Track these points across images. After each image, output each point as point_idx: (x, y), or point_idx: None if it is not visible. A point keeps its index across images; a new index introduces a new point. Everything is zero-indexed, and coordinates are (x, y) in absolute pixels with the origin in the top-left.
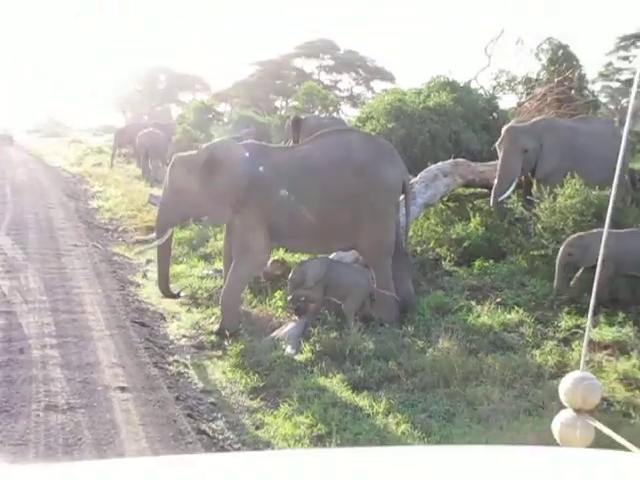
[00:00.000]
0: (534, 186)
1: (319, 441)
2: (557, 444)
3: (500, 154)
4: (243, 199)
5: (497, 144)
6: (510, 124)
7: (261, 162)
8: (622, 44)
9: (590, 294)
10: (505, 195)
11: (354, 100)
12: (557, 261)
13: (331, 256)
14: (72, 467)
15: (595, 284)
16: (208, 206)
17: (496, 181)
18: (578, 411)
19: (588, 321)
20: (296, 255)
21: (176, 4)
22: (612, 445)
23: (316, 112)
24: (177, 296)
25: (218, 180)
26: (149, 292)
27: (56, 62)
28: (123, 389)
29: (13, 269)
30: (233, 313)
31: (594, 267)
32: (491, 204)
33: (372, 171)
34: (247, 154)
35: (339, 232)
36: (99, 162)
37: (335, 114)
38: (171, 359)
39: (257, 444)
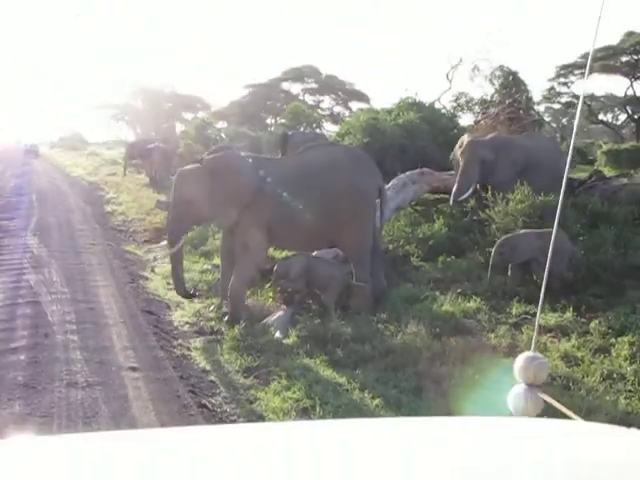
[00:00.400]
0: (489, 192)
1: (304, 413)
2: (510, 415)
3: (461, 163)
4: (247, 203)
5: (452, 155)
6: (469, 138)
7: (261, 171)
8: (562, 72)
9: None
10: (464, 197)
11: (334, 118)
12: (490, 259)
13: (314, 253)
14: (83, 438)
15: (545, 276)
16: (217, 211)
17: (456, 185)
18: (529, 386)
19: (539, 308)
20: (284, 252)
21: (178, 28)
22: (556, 414)
23: (301, 128)
24: (194, 295)
25: (226, 186)
26: (156, 285)
27: (67, 74)
28: (134, 369)
29: (39, 265)
30: (241, 305)
31: (522, 264)
32: (450, 204)
33: (353, 179)
34: (244, 164)
35: (325, 232)
36: (113, 172)
37: (318, 130)
38: (176, 343)
39: (251, 416)
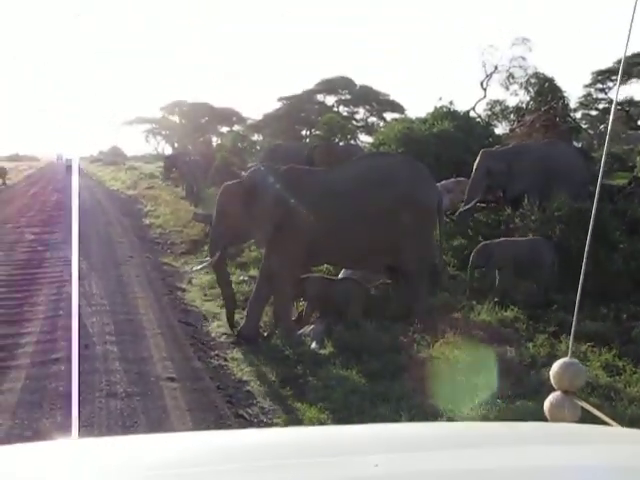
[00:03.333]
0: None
1: (341, 424)
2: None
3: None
4: (282, 220)
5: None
6: (485, 149)
7: (303, 184)
8: (599, 78)
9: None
10: (465, 208)
11: (369, 129)
12: (469, 265)
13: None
14: (122, 440)
15: (580, 284)
16: (252, 228)
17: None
18: (566, 392)
19: (575, 313)
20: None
21: (214, 41)
22: (595, 423)
23: (336, 140)
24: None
25: (259, 203)
26: (193, 296)
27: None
28: (172, 379)
29: (79, 277)
30: (289, 323)
31: (500, 269)
32: (456, 215)
33: (413, 191)
34: (284, 178)
35: (380, 248)
36: (151, 185)
37: (352, 141)
38: (213, 353)
39: (287, 427)
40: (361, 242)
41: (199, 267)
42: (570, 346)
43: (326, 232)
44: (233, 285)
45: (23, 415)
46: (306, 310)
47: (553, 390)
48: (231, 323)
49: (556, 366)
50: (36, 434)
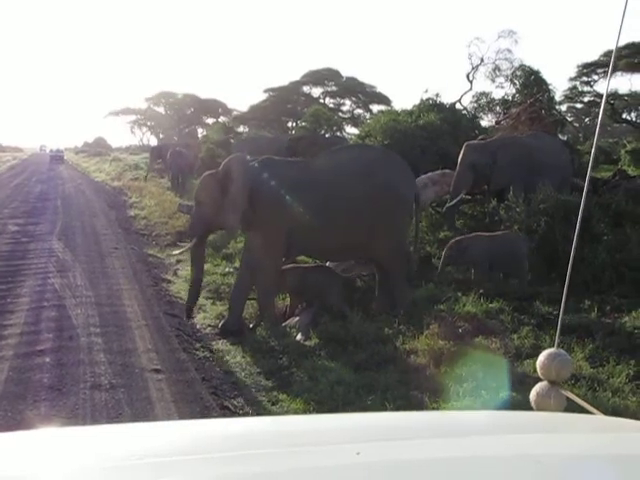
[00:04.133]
0: (508, 192)
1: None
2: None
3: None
4: (254, 209)
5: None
6: (469, 142)
7: (277, 174)
8: (584, 71)
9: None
10: (454, 202)
11: (355, 121)
12: (441, 261)
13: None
14: (101, 429)
15: (568, 276)
16: (223, 216)
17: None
18: (552, 383)
19: (562, 305)
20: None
21: (198, 32)
22: (581, 412)
23: (322, 131)
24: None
25: (229, 192)
26: (179, 288)
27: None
28: (157, 371)
29: (64, 269)
30: (271, 312)
31: (474, 265)
32: (442, 210)
33: (389, 183)
34: (258, 168)
35: (357, 240)
36: (136, 177)
37: (338, 133)
38: (198, 345)
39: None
40: (337, 234)
41: (177, 252)
42: (557, 337)
43: (302, 223)
44: (219, 277)
45: (7, 406)
46: (290, 302)
47: (539, 380)
48: (189, 310)
49: (542, 356)
50: (22, 426)
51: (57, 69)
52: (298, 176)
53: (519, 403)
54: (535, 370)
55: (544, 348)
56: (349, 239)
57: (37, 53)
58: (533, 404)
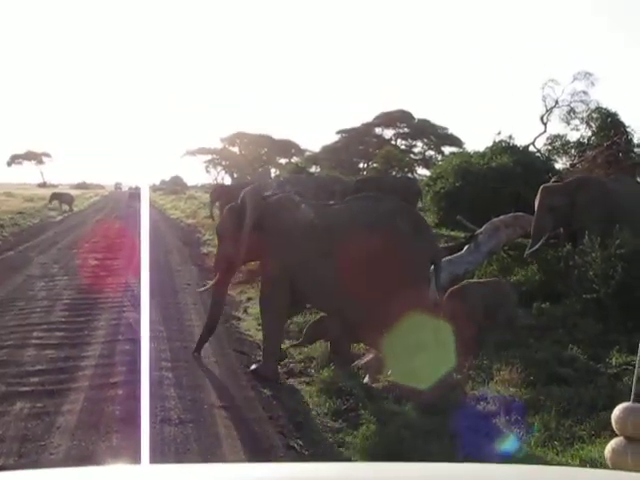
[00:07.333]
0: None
1: (393, 459)
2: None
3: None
4: (258, 246)
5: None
6: (545, 185)
7: (288, 212)
8: None
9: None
10: (535, 248)
11: (426, 162)
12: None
13: None
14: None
15: None
16: (239, 252)
17: (531, 236)
18: (628, 439)
19: (638, 355)
20: None
21: (274, 74)
22: None
23: (393, 173)
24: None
25: (243, 227)
26: (249, 325)
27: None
28: (225, 408)
29: (138, 303)
30: (271, 361)
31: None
32: (525, 256)
33: (400, 240)
34: (270, 205)
35: (360, 299)
36: (210, 215)
37: (409, 174)
38: (266, 383)
39: (338, 460)
40: (336, 290)
41: (203, 289)
42: (633, 388)
43: (303, 268)
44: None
45: (81, 435)
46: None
47: (615, 435)
48: (199, 346)
49: (618, 410)
50: (94, 456)
51: (133, 105)
52: (310, 217)
53: (594, 459)
54: (611, 423)
55: (621, 400)
56: (351, 297)
57: (114, 87)
58: (608, 461)
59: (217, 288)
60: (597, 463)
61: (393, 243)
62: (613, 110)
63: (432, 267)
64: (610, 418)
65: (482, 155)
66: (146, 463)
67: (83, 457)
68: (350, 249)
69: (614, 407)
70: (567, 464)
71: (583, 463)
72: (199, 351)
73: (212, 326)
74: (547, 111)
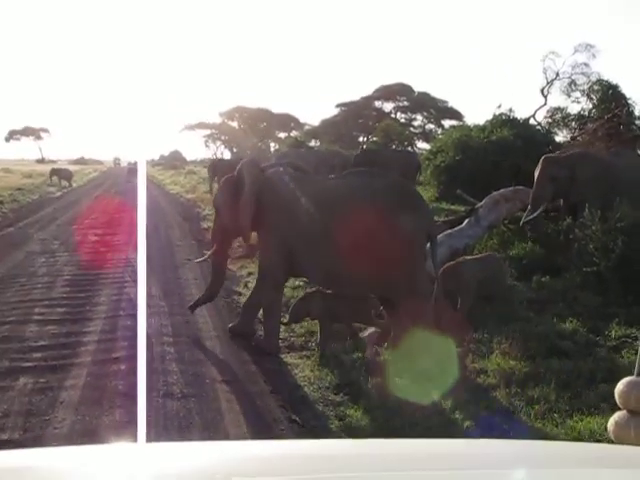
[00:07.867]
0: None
1: (394, 433)
2: (612, 442)
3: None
4: (261, 218)
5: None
6: (547, 155)
7: (287, 184)
8: None
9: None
10: (533, 216)
11: (426, 136)
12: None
13: None
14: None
15: None
16: (236, 221)
17: (529, 205)
18: (631, 412)
19: None
20: None
21: (273, 47)
22: None
23: (393, 146)
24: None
25: (242, 196)
26: None
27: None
28: (227, 382)
29: (136, 278)
30: (272, 335)
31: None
32: (520, 224)
33: (393, 217)
34: (267, 177)
35: (359, 274)
36: (209, 190)
37: (409, 148)
38: (267, 357)
39: (340, 433)
40: (335, 262)
41: (201, 259)
42: (637, 363)
43: (300, 241)
44: (289, 290)
45: (85, 411)
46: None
47: (617, 409)
48: (195, 306)
49: (622, 384)
50: (98, 430)
51: (131, 80)
52: (307, 191)
53: (593, 431)
54: (611, 396)
55: (620, 373)
56: (349, 271)
57: (120, 66)
58: (611, 434)
59: (216, 258)
60: (596, 435)
61: (388, 219)
62: (614, 82)
63: (429, 243)
64: (609, 391)
65: (482, 128)
66: (142, 441)
67: (87, 431)
68: (345, 224)
69: (613, 380)
70: (566, 436)
71: (582, 435)
72: (193, 310)
73: (212, 294)
74: (548, 83)
